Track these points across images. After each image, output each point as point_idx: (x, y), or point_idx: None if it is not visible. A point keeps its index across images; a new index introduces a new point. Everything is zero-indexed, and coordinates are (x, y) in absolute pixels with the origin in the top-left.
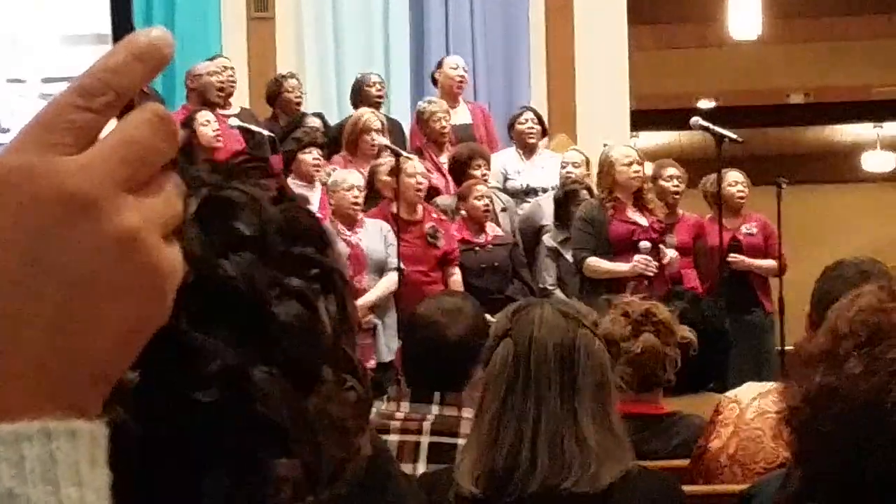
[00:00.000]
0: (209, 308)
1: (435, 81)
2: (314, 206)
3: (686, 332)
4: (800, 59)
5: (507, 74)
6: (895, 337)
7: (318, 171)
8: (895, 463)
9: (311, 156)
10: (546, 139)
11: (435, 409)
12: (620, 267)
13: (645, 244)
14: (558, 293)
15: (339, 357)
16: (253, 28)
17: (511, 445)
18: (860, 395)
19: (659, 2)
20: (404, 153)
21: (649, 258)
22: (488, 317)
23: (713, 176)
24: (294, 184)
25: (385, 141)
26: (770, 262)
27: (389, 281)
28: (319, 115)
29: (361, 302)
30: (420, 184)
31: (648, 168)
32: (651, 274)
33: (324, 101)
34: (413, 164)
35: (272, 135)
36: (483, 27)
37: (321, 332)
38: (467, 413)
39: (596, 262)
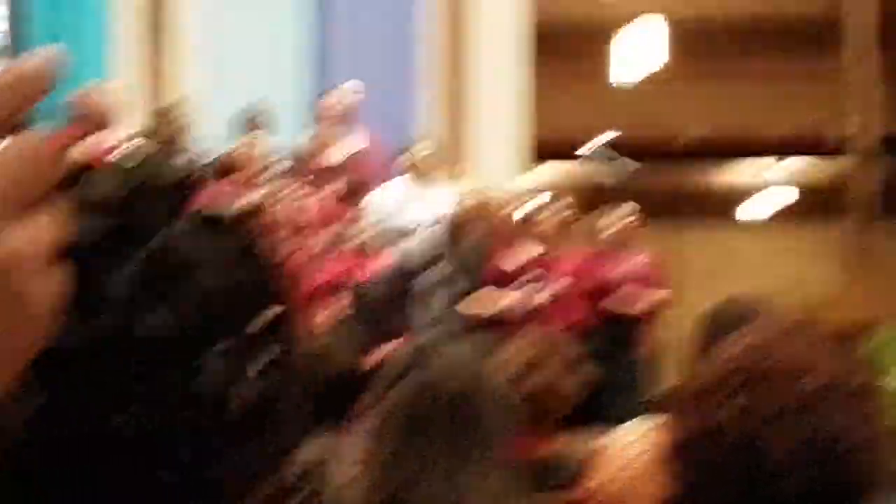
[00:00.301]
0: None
1: (324, 109)
2: None
3: (587, 372)
4: (695, 98)
5: (403, 105)
6: (776, 378)
7: None
8: (771, 501)
9: None
10: (437, 172)
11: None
12: (502, 300)
13: (527, 278)
14: (446, 327)
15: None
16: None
17: (403, 485)
18: (741, 434)
19: (559, 36)
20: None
21: (532, 291)
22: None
23: (598, 211)
24: None
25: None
26: (654, 299)
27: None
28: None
29: None
30: (296, 212)
31: (536, 202)
32: (532, 307)
33: (218, 126)
34: (285, 193)
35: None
36: (382, 57)
37: (229, 409)
38: (349, 440)
39: (478, 297)
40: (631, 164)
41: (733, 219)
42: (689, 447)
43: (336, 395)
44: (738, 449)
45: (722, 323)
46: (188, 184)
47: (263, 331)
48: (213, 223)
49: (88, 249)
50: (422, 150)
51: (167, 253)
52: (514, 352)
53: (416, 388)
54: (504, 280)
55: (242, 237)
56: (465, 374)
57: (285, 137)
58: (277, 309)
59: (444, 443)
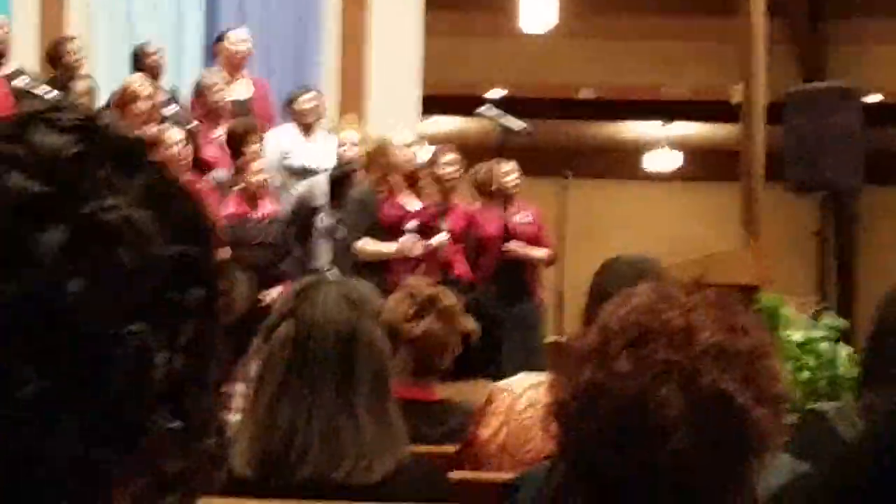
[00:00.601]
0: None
1: (215, 54)
2: None
3: (468, 322)
4: (591, 55)
5: (297, 52)
6: (664, 338)
7: None
8: (656, 461)
9: None
10: (326, 120)
11: None
12: (387, 248)
13: (411, 224)
14: (334, 273)
15: (182, 409)
16: None
17: (285, 431)
18: (626, 393)
19: None
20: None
21: (415, 238)
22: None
23: (484, 165)
24: None
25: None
26: (543, 251)
27: None
28: (87, 76)
29: None
30: (181, 154)
31: (426, 153)
32: (416, 255)
33: (111, 67)
34: (170, 135)
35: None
36: (277, 3)
37: (149, 383)
38: (239, 387)
39: (363, 244)
40: (520, 124)
41: (629, 176)
42: (575, 403)
43: (229, 339)
44: (625, 406)
45: (610, 281)
46: (138, 150)
47: (189, 301)
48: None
49: (17, 210)
50: (312, 97)
51: (95, 219)
52: (397, 299)
53: (293, 333)
54: (393, 228)
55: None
56: (341, 318)
57: (175, 79)
58: (206, 279)
59: (323, 387)
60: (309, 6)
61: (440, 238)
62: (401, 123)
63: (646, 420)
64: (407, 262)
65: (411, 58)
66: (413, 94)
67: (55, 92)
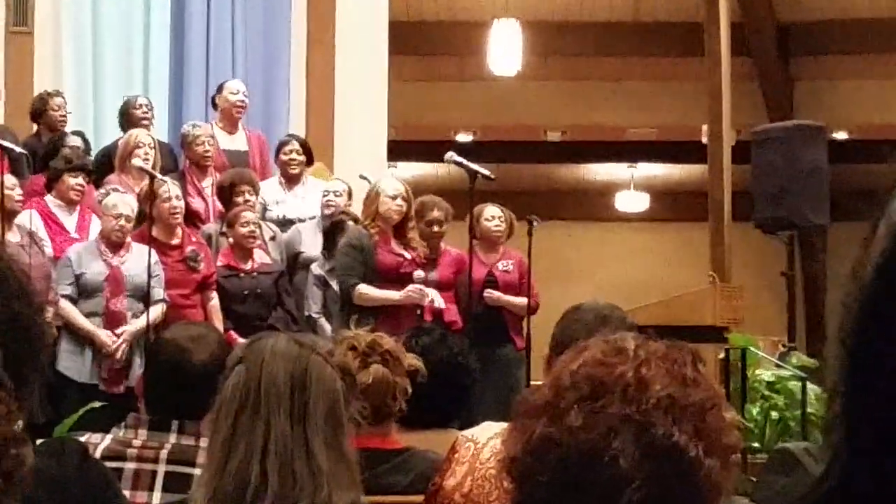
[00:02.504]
0: None
1: (215, 105)
2: (71, 229)
3: (412, 360)
4: (558, 97)
5: (266, 102)
6: (616, 391)
7: (78, 195)
8: None
9: (76, 180)
10: (308, 169)
11: (172, 438)
12: (393, 295)
13: (419, 274)
14: (323, 322)
15: None
16: (11, 41)
17: (240, 467)
18: (579, 448)
19: (420, 33)
20: (160, 176)
21: (423, 288)
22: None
23: (474, 210)
24: (54, 203)
25: (140, 163)
26: (523, 300)
27: (155, 312)
28: (80, 134)
29: (124, 329)
30: (175, 207)
31: (407, 200)
32: (424, 304)
33: (80, 121)
34: (167, 188)
35: (25, 153)
36: (244, 54)
37: None
38: (205, 443)
39: (367, 290)
40: (485, 172)
41: (597, 218)
42: (528, 458)
43: (194, 392)
44: (578, 461)
45: (572, 330)
46: None
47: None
48: None
49: None
50: (292, 148)
51: None
52: (339, 353)
53: (244, 375)
54: (391, 274)
55: None
56: (292, 356)
57: (162, 133)
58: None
59: (277, 423)
60: (275, 58)
61: (437, 300)
62: (368, 170)
63: (599, 474)
64: (406, 309)
65: (377, 103)
66: (380, 140)
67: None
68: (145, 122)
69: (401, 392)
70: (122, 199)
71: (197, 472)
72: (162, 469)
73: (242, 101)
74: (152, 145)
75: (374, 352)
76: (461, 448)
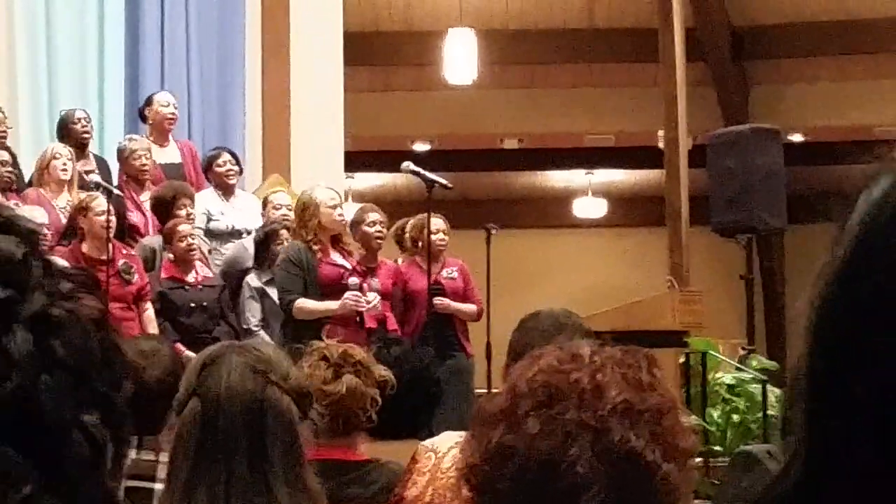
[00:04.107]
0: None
1: (144, 118)
2: None
3: (382, 371)
4: (514, 105)
5: (221, 113)
6: (572, 398)
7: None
8: None
9: None
10: (247, 180)
11: (132, 454)
12: (331, 306)
13: (354, 280)
14: (262, 334)
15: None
16: None
17: None
18: (537, 455)
19: (376, 44)
20: (109, 187)
21: (359, 294)
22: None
23: (411, 220)
24: None
25: (67, 177)
26: (471, 306)
27: None
28: (7, 149)
29: None
30: (109, 221)
31: (351, 211)
32: (362, 310)
33: (36, 136)
34: (99, 202)
35: None
36: (199, 66)
37: (102, 475)
38: (164, 457)
39: (305, 303)
40: (442, 181)
41: (555, 225)
42: (486, 466)
43: (150, 407)
44: (536, 467)
45: (528, 337)
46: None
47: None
48: None
49: None
50: (226, 160)
51: (46, 316)
52: (312, 364)
53: (200, 411)
54: (333, 286)
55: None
56: (247, 390)
57: (108, 147)
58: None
59: (236, 466)
60: (230, 69)
61: (374, 301)
62: (325, 180)
63: (557, 480)
64: (347, 318)
65: (333, 114)
66: (337, 151)
67: None
68: (85, 137)
69: (372, 403)
70: (30, 213)
71: (157, 486)
72: (122, 485)
73: (173, 114)
74: (69, 157)
75: (346, 363)
76: (422, 458)
